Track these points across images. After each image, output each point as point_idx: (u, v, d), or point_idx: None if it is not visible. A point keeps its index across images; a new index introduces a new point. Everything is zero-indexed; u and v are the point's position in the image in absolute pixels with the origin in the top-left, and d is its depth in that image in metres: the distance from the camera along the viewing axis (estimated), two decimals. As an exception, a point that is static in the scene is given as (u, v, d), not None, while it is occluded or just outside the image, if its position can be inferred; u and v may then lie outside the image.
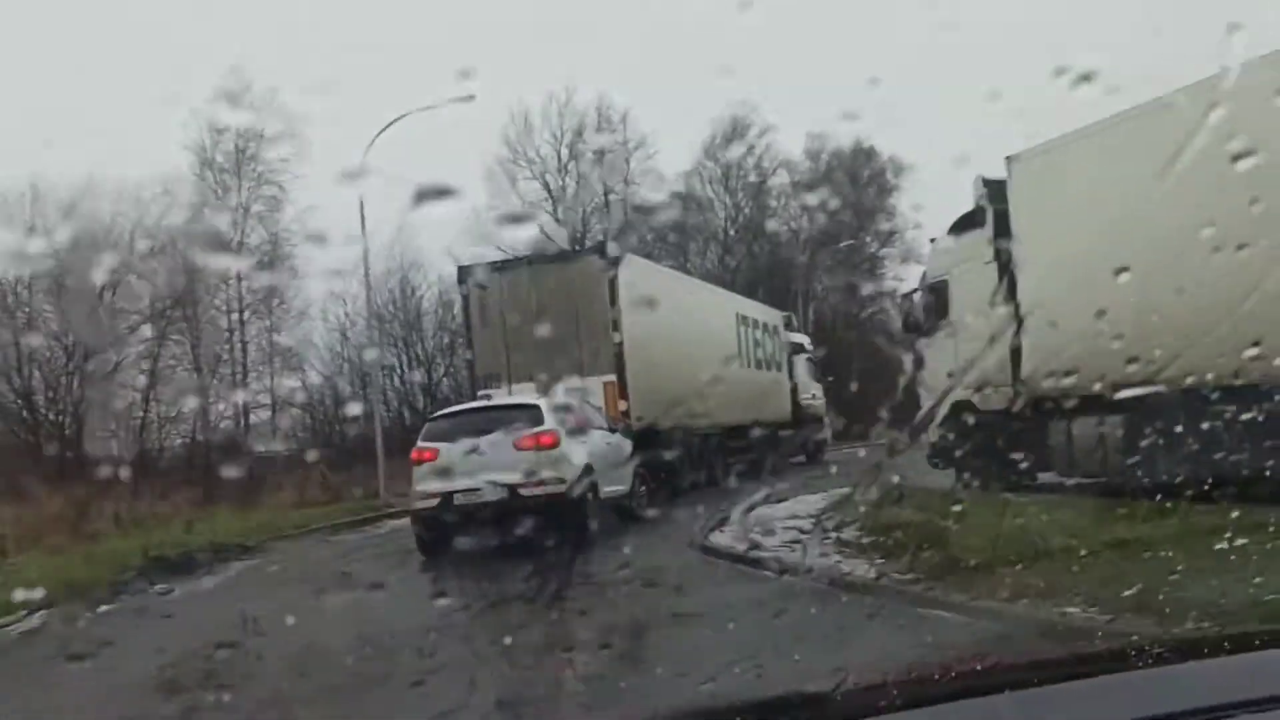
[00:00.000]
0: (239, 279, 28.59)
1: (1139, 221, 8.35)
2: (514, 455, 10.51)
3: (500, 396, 13.71)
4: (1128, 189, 8.83)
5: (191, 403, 27.05)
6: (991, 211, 12.03)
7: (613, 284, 15.05)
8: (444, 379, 32.20)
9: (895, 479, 11.38)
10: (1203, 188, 6.12)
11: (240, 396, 27.73)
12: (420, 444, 11.42)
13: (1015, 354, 11.54)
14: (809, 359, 24.57)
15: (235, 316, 28.96)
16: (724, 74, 37.61)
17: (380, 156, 20.52)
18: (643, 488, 12.67)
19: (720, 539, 10.03)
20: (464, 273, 17.55)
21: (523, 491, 10.18)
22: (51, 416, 26.04)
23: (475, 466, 10.38)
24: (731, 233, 42.21)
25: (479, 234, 33.54)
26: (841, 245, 41.51)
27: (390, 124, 20.25)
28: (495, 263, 17.78)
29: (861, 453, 19.80)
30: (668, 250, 37.54)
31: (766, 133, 39.98)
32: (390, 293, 31.76)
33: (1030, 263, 11.04)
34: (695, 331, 17.09)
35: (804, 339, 25.31)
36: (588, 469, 11.05)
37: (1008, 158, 11.58)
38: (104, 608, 7.83)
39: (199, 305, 27.46)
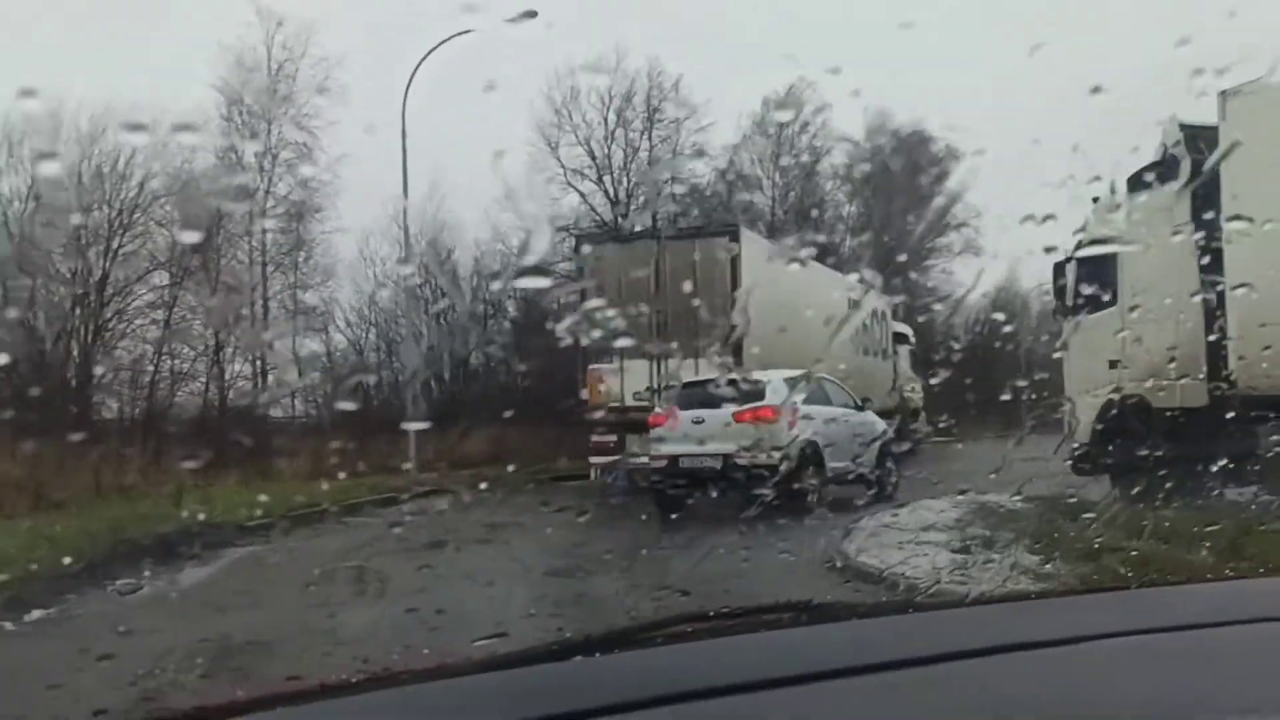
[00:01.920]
0: (263, 230, 26.69)
1: None
2: (734, 427, 11.68)
3: (608, 371, 14.75)
4: None
5: (204, 359, 25.03)
6: (1189, 163, 9.65)
7: (734, 263, 14.87)
8: (474, 351, 30.39)
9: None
10: None
11: (258, 355, 25.72)
12: (656, 410, 13.19)
13: (1215, 340, 9.24)
14: (910, 349, 23.43)
15: (257, 270, 26.98)
16: (786, 50, 35.44)
17: (419, 108, 18.83)
18: (891, 465, 13.44)
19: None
20: (580, 243, 18.26)
21: (739, 461, 11.05)
22: (55, 364, 24.06)
23: (700, 434, 11.74)
24: (780, 214, 40.09)
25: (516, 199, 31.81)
26: (894, 233, 39.74)
27: (436, 48, 18.11)
28: (614, 234, 17.90)
29: (960, 447, 17.64)
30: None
31: (822, 110, 37.77)
32: (420, 255, 29.84)
33: (1248, 227, 8.68)
34: (809, 313, 16.48)
35: (906, 329, 23.87)
36: (809, 444, 12.04)
37: (1222, 93, 9.10)
38: (35, 614, 5.60)
39: (220, 255, 25.46)
